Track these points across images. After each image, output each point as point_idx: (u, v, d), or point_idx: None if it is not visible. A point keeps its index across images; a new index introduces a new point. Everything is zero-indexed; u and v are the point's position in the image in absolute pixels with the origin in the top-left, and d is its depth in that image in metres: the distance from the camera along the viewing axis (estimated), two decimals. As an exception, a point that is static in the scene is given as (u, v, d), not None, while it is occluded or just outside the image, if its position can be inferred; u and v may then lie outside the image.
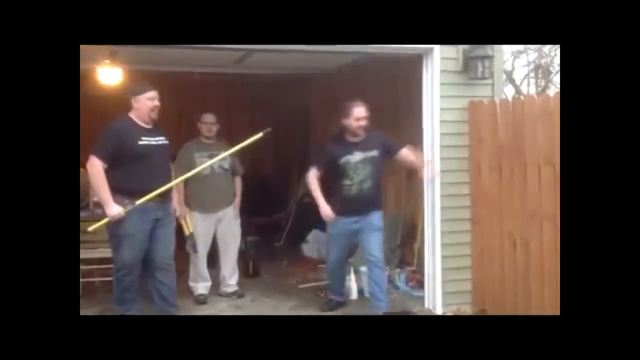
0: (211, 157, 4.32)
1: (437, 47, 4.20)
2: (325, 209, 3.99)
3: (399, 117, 5.50)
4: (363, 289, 4.73)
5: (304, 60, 5.42)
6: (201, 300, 4.56)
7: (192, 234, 4.38)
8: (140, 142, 3.52)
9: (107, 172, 3.45)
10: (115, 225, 3.48)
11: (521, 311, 3.73)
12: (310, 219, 6.72)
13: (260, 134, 3.62)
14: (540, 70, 13.37)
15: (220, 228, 4.65)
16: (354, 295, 4.71)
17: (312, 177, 4.08)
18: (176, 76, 5.89)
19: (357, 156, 3.98)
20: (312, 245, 6.33)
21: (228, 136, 4.76)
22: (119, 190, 3.46)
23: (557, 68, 13.19)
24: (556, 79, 13.43)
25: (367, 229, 4.04)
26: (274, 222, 7.12)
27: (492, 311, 4.01)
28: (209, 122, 4.60)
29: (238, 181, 4.73)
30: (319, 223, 6.48)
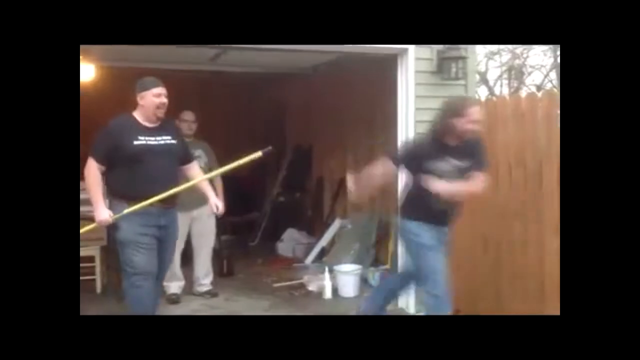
0: None
1: (411, 48, 4.23)
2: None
3: (374, 116, 5.54)
4: (337, 288, 4.76)
5: (279, 59, 5.40)
6: (173, 300, 4.52)
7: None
8: (136, 142, 3.21)
9: (106, 174, 3.24)
10: (114, 231, 3.27)
11: (493, 310, 3.79)
12: (286, 218, 6.76)
13: (259, 153, 3.32)
14: (513, 71, 13.60)
15: (195, 227, 4.62)
16: (328, 294, 4.72)
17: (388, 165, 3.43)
18: (151, 73, 5.80)
19: (450, 164, 3.21)
20: (287, 244, 6.33)
21: (202, 135, 4.73)
22: (116, 195, 3.25)
23: (530, 69, 13.42)
24: (529, 80, 13.68)
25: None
26: (248, 221, 7.10)
27: (464, 310, 4.06)
28: (189, 120, 4.55)
29: (218, 180, 4.65)
30: (294, 222, 6.56)
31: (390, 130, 4.58)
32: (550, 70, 13.22)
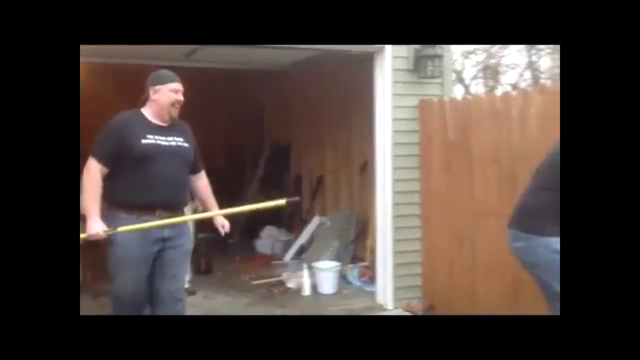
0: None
1: (388, 46, 4.27)
2: None
3: (352, 113, 5.57)
4: (316, 285, 4.78)
5: (257, 56, 5.39)
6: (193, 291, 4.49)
7: None
8: (144, 141, 2.77)
9: (108, 178, 2.79)
10: (108, 246, 2.80)
11: (468, 306, 3.85)
12: (264, 215, 6.75)
13: (283, 201, 3.08)
14: (488, 70, 13.77)
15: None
16: (307, 291, 4.74)
17: None
18: (123, 69, 5.74)
19: None
20: (266, 241, 6.34)
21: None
22: (115, 202, 2.80)
23: (505, 69, 13.62)
24: (504, 79, 13.87)
25: None
26: (227, 218, 7.05)
27: (440, 306, 4.12)
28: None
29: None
30: (273, 219, 6.56)
31: (368, 128, 4.62)
32: (525, 69, 13.43)
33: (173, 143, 2.88)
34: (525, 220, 2.59)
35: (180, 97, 2.91)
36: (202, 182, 3.15)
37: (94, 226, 2.71)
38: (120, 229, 2.72)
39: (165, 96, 2.86)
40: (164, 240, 2.84)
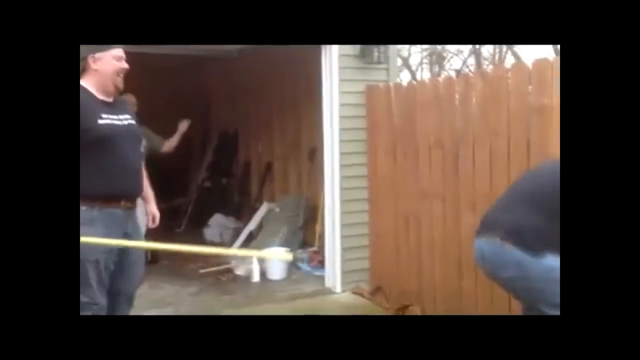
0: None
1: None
2: None
3: (300, 99, 5.56)
4: (265, 271, 4.78)
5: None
6: None
7: None
8: (101, 122, 2.42)
9: None
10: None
11: (414, 286, 3.95)
12: (212, 203, 6.68)
13: (290, 255, 3.04)
14: (434, 56, 14.04)
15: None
16: (256, 277, 4.73)
17: None
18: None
19: None
20: (214, 229, 6.27)
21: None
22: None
23: (450, 55, 13.92)
24: (449, 65, 14.18)
25: None
26: (173, 207, 6.94)
27: (387, 287, 4.21)
28: (131, 103, 4.39)
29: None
30: (221, 207, 6.49)
31: (316, 114, 4.62)
32: (469, 56, 13.78)
33: (125, 122, 2.54)
34: (525, 238, 2.32)
35: (126, 65, 2.56)
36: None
37: None
38: (83, 239, 2.21)
39: (109, 64, 2.48)
40: (126, 235, 2.55)
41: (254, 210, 6.16)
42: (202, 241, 6.16)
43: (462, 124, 3.57)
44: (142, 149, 3.92)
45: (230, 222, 6.35)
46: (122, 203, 2.51)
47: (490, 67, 11.62)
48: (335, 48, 4.29)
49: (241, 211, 6.57)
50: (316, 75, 4.48)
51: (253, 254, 3.03)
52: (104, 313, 2.53)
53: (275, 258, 2.83)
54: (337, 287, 4.43)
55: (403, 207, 4.10)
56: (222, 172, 7.05)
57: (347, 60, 4.35)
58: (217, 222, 6.32)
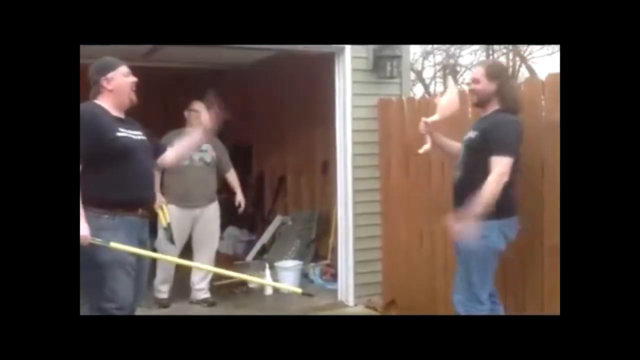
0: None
1: (348, 47, 4.31)
2: None
3: (313, 113, 5.60)
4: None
5: (217, 56, 5.36)
6: (164, 304, 4.41)
7: (169, 225, 4.16)
8: (120, 134, 2.57)
9: (81, 175, 2.41)
10: (93, 250, 2.43)
11: (428, 300, 3.93)
12: (226, 215, 6.70)
13: (299, 290, 3.17)
14: (447, 70, 14.04)
15: (198, 226, 4.41)
16: (269, 291, 4.74)
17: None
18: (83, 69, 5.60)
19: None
20: (228, 242, 6.29)
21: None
22: (95, 201, 2.49)
23: (463, 69, 13.92)
24: (463, 79, 14.17)
25: None
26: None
27: (400, 301, 4.19)
28: (199, 110, 4.46)
29: (232, 176, 4.58)
30: (235, 220, 6.51)
31: (329, 127, 4.65)
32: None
33: (139, 137, 2.71)
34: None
35: (134, 78, 2.71)
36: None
37: (82, 228, 2.37)
38: (113, 245, 2.46)
39: (122, 82, 2.65)
40: (142, 243, 2.67)
41: (267, 223, 6.18)
42: (215, 253, 6.19)
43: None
44: (210, 160, 4.37)
45: (243, 235, 6.38)
46: (140, 211, 2.66)
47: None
48: (348, 62, 4.33)
49: (254, 224, 6.59)
50: (329, 89, 4.52)
51: (266, 282, 3.27)
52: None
53: (285, 289, 2.91)
54: (349, 300, 4.42)
55: (416, 220, 4.10)
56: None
57: (360, 75, 4.39)
58: (230, 235, 6.35)
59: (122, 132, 2.60)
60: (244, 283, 4.96)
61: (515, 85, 3.18)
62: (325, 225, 5.42)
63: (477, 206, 2.61)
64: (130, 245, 2.55)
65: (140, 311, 2.96)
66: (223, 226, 6.44)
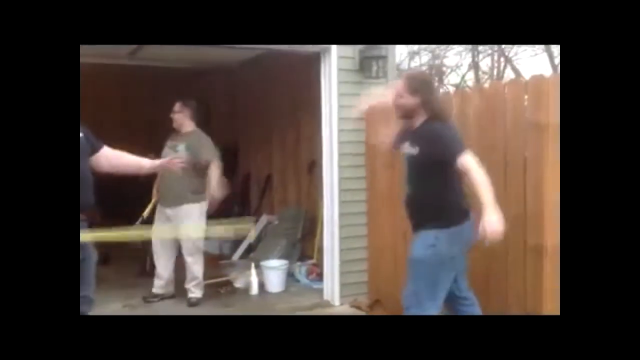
0: (172, 148, 4.39)
1: (334, 47, 4.32)
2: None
3: (299, 113, 5.60)
4: (264, 284, 4.78)
5: (202, 55, 5.34)
6: (195, 303, 4.43)
7: (144, 218, 4.47)
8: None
9: None
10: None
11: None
12: (212, 215, 6.67)
13: (250, 225, 3.16)
14: (433, 71, 14.09)
15: (181, 227, 4.36)
16: (254, 290, 4.74)
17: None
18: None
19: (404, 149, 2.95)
20: (214, 241, 6.25)
21: (126, 130, 4.61)
22: None
23: (448, 69, 13.99)
24: (448, 79, 14.25)
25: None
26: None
27: (385, 300, 4.22)
28: (174, 111, 4.51)
29: (212, 172, 4.38)
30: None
31: (315, 127, 4.66)
32: (468, 70, 13.86)
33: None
34: None
35: None
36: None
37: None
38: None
39: None
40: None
41: (254, 222, 6.17)
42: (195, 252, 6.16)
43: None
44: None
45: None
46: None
47: (489, 82, 11.69)
48: (334, 62, 4.34)
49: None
50: (315, 89, 4.52)
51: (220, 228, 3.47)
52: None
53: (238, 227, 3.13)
54: (335, 300, 4.43)
55: (401, 220, 4.11)
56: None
57: (346, 75, 4.40)
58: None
59: None
60: (229, 283, 4.96)
61: (439, 94, 3.19)
62: (311, 225, 5.43)
63: (490, 204, 2.55)
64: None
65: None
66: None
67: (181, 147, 4.38)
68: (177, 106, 4.54)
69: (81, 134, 2.59)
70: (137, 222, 4.41)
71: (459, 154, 2.66)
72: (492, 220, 2.50)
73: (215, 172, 4.40)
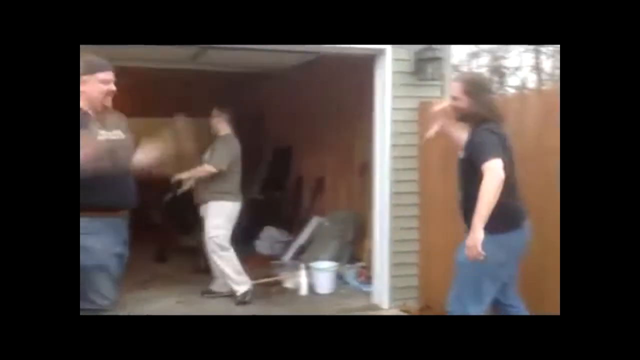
0: (210, 149, 4.63)
1: (389, 49, 4.29)
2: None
3: (352, 116, 5.59)
4: (313, 285, 4.80)
5: (259, 59, 5.43)
6: (245, 302, 4.52)
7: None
8: (100, 138, 2.49)
9: None
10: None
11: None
12: (264, 216, 6.78)
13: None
14: (493, 72, 13.76)
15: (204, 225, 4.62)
16: (304, 291, 4.76)
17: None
18: (129, 72, 5.73)
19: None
20: (266, 242, 6.36)
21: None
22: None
23: (509, 71, 13.62)
24: (509, 81, 13.87)
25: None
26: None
27: (435, 307, 4.13)
28: (213, 117, 4.69)
29: (199, 167, 4.55)
30: (273, 220, 6.57)
31: (368, 129, 4.64)
32: (530, 71, 13.43)
33: (118, 137, 2.61)
34: None
35: (113, 87, 2.55)
36: None
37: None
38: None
39: (94, 87, 2.49)
40: (124, 244, 2.64)
41: (305, 224, 6.21)
42: (253, 253, 6.26)
43: (518, 142, 3.47)
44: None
45: (280, 236, 6.43)
46: (120, 212, 2.61)
47: (549, 83, 11.27)
48: (389, 64, 4.30)
49: (292, 225, 6.63)
50: (369, 92, 4.50)
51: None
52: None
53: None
54: (384, 303, 4.39)
55: (454, 225, 4.01)
56: (275, 186, 7.15)
57: (401, 77, 4.35)
58: (268, 235, 6.41)
59: (103, 135, 2.51)
60: (279, 282, 5.00)
61: (494, 97, 3.11)
62: (362, 227, 5.40)
63: (476, 221, 2.60)
64: (117, 249, 2.55)
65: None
66: (261, 226, 6.54)
67: (208, 152, 4.65)
68: (214, 111, 4.66)
69: (127, 135, 2.65)
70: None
71: (487, 159, 2.61)
72: (472, 238, 2.57)
73: (199, 169, 4.54)
